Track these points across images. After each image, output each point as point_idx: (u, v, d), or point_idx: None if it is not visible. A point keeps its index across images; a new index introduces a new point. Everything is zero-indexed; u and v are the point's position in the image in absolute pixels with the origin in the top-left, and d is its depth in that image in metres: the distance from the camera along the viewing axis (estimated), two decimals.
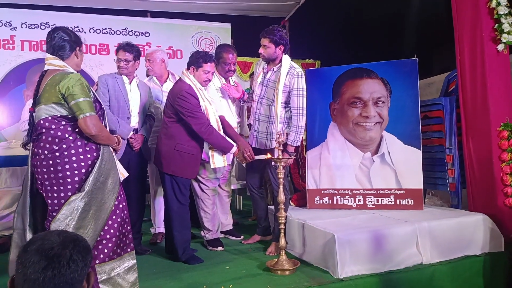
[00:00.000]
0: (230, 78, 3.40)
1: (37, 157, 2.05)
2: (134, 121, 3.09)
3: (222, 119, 3.07)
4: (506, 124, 2.89)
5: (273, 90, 3.01)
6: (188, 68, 2.92)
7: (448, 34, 3.24)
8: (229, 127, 3.10)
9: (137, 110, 3.10)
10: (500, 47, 2.92)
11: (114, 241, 2.12)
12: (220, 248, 3.10)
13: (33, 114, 2.12)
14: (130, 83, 3.11)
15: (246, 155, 2.88)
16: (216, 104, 3.14)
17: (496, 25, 2.92)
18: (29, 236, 2.08)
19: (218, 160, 2.93)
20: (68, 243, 1.06)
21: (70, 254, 1.04)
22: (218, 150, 2.92)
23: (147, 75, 3.61)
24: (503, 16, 2.90)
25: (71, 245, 1.06)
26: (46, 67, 2.13)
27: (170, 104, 2.84)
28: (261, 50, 2.99)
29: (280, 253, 2.60)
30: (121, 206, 2.18)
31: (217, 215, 3.26)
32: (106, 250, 2.09)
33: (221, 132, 2.94)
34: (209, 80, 2.97)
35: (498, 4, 2.89)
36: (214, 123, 2.89)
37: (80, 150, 2.05)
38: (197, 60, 2.86)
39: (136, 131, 3.08)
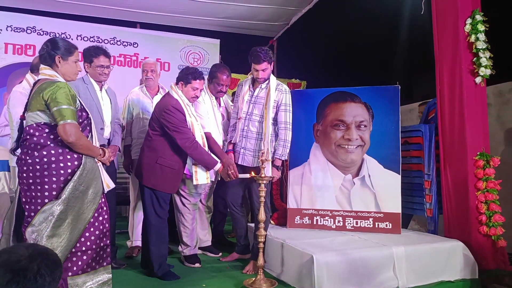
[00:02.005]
0: (220, 98, 3.43)
1: (19, 161, 2.07)
2: (107, 131, 2.95)
3: (208, 136, 3.06)
4: (482, 154, 2.99)
5: (262, 106, 3.05)
6: (177, 83, 2.92)
7: (430, 63, 3.36)
8: (215, 144, 3.09)
9: (110, 120, 2.97)
10: (478, 80, 3.05)
11: (90, 254, 2.07)
12: (197, 265, 3.05)
13: (23, 121, 2.13)
14: (101, 90, 2.95)
15: (230, 172, 2.87)
16: (204, 120, 3.14)
17: (475, 58, 3.05)
18: (11, 241, 2.07)
19: (201, 177, 2.90)
20: (36, 257, 1.04)
21: (38, 268, 1.02)
22: (202, 166, 2.90)
23: (140, 83, 3.59)
24: (481, 50, 3.03)
25: (39, 259, 1.04)
26: (39, 77, 2.16)
27: (156, 117, 2.83)
28: (261, 75, 3.00)
29: (258, 272, 2.58)
30: (101, 218, 2.14)
31: (196, 231, 3.22)
32: (80, 263, 2.04)
33: (206, 149, 2.93)
34: (197, 97, 2.97)
35: (477, 39, 3.03)
36: (200, 139, 2.88)
37: (61, 157, 2.03)
38: (186, 76, 2.86)
39: (108, 141, 2.97)
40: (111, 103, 2.99)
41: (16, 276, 0.98)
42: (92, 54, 2.88)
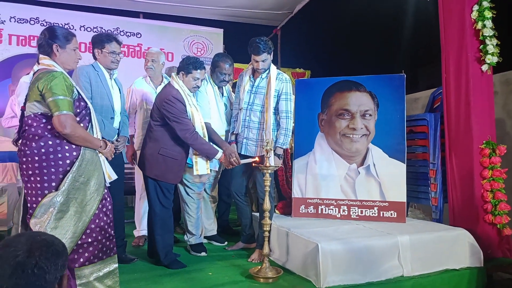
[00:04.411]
0: (223, 87, 3.42)
1: (19, 153, 2.06)
2: (117, 121, 2.89)
3: (207, 126, 3.07)
4: (488, 142, 2.97)
5: (263, 96, 3.05)
6: (178, 73, 2.91)
7: (435, 51, 3.33)
8: (214, 133, 3.09)
9: (119, 109, 2.91)
10: (484, 67, 3.02)
11: (96, 245, 2.07)
12: (203, 254, 3.08)
13: (23, 111, 2.11)
14: (111, 78, 2.87)
15: (232, 160, 2.88)
16: (204, 110, 3.14)
17: (481, 46, 3.01)
18: (20, 231, 2.07)
19: (201, 167, 2.91)
20: (35, 250, 1.05)
21: (36, 261, 1.03)
22: (203, 156, 2.90)
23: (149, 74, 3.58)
24: (488, 37, 2.99)
25: (37, 252, 1.05)
26: (39, 67, 2.12)
27: (157, 107, 2.84)
28: (262, 65, 3.00)
29: (264, 260, 2.61)
30: (105, 209, 2.14)
31: (201, 220, 3.25)
32: (86, 254, 2.04)
33: (206, 139, 2.93)
34: (198, 87, 2.97)
35: (484, 26, 2.99)
36: (200, 129, 2.88)
37: (59, 148, 2.01)
38: (187, 66, 2.86)
39: (118, 132, 2.93)
40: (120, 93, 2.95)
41: (15, 272, 1.00)
42: (104, 40, 2.79)
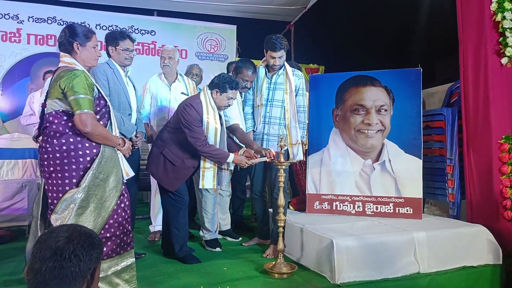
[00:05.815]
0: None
1: (40, 149, 2.10)
2: (134, 118, 2.94)
3: (236, 127, 3.10)
4: (507, 137, 2.91)
5: (283, 92, 3.10)
6: (211, 89, 2.88)
7: (452, 45, 3.26)
8: (244, 134, 3.11)
9: (136, 106, 2.96)
10: (504, 60, 2.94)
11: (114, 240, 2.11)
12: (218, 249, 3.11)
13: (44, 108, 2.15)
14: (126, 75, 2.94)
15: (266, 152, 2.86)
16: (232, 112, 3.14)
17: (501, 38, 2.94)
18: (39, 224, 2.13)
19: (207, 182, 2.90)
20: (74, 238, 1.11)
21: (73, 248, 1.09)
22: (211, 170, 2.90)
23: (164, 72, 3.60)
24: (508, 30, 2.91)
25: (76, 240, 1.11)
26: (59, 64, 2.16)
27: (176, 112, 2.88)
28: (278, 62, 3.04)
29: (278, 256, 2.61)
30: (123, 205, 2.18)
31: (217, 216, 3.27)
32: (105, 249, 2.07)
33: (218, 145, 2.90)
34: (229, 105, 2.95)
35: (504, 18, 2.91)
36: (212, 140, 2.85)
37: (79, 145, 2.05)
38: (223, 85, 2.82)
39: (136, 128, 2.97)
40: (134, 89, 3.01)
41: (54, 255, 1.07)
42: (117, 37, 2.86)
